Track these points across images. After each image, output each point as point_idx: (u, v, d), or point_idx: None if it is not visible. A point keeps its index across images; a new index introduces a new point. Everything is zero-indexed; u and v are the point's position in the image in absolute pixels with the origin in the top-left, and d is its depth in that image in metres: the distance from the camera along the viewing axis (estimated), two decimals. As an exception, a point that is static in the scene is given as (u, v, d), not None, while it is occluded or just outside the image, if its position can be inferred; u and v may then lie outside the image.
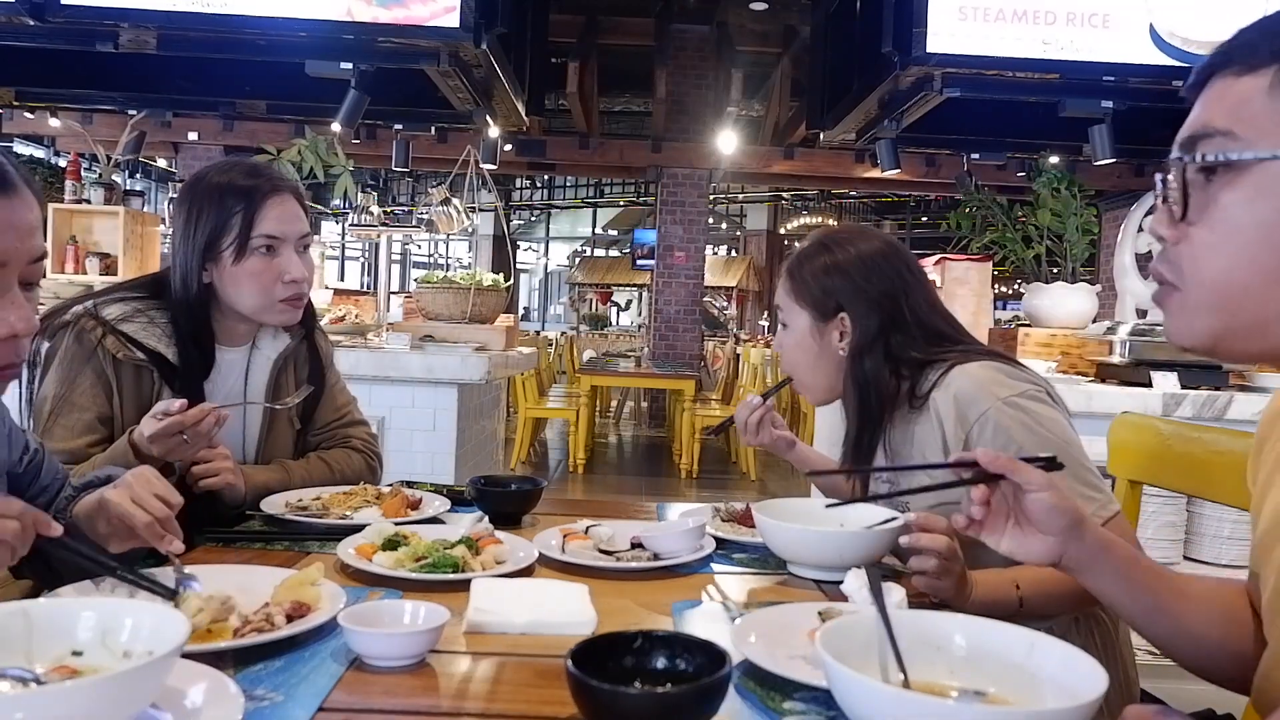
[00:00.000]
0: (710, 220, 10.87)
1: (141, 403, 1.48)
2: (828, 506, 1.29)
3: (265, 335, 1.65)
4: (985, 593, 1.20)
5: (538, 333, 13.57)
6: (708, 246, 9.53)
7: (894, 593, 1.01)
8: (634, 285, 16.70)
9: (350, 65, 3.72)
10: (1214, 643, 0.94)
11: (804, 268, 1.49)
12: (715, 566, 1.34)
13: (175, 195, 1.58)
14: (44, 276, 1.02)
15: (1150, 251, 3.43)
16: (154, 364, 1.50)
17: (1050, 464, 1.00)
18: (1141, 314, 3.38)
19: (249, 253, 1.50)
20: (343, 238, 16.02)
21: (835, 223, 18.68)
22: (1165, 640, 0.96)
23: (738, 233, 18.76)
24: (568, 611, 1.06)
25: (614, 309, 17.53)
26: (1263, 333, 0.71)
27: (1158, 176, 0.74)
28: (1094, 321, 3.45)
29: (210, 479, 1.44)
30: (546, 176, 17.23)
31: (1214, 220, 0.71)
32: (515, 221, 20.05)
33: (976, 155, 4.94)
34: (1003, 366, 1.36)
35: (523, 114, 4.81)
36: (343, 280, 17.49)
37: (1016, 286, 16.01)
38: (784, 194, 16.35)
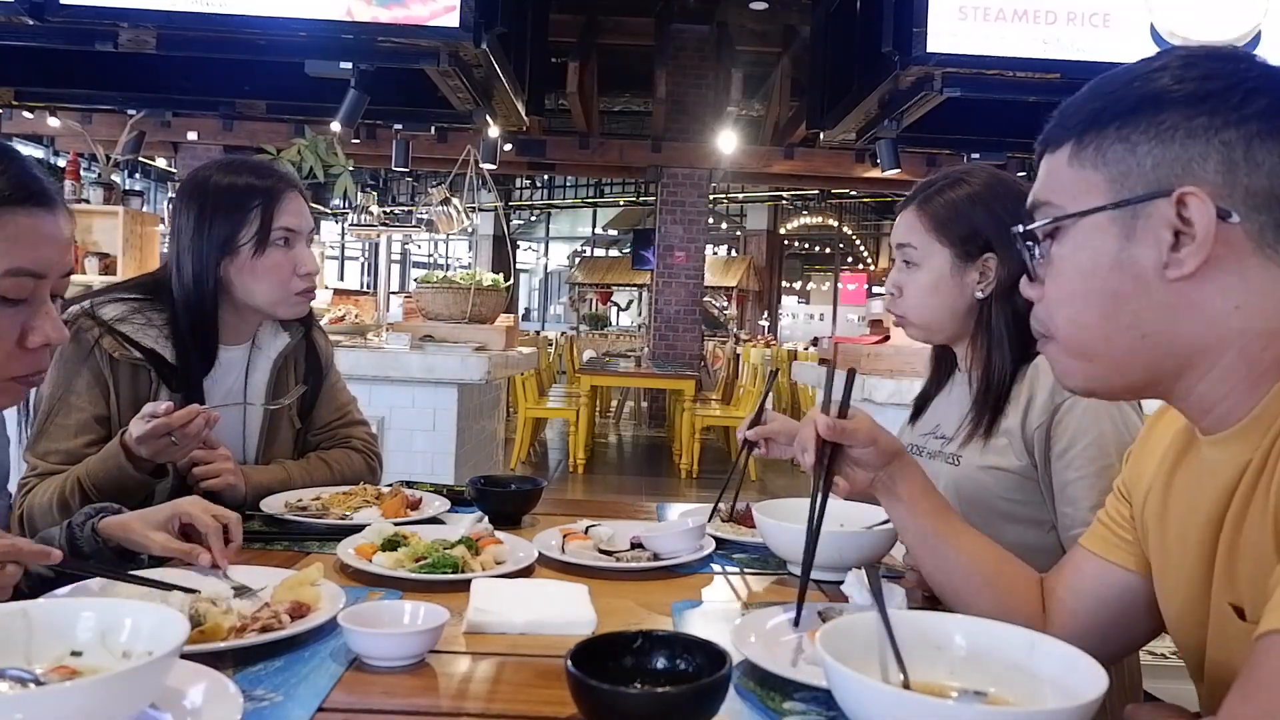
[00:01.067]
0: (710, 220, 10.87)
1: (138, 402, 1.47)
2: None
3: (265, 334, 1.65)
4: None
5: (538, 333, 13.57)
6: (708, 246, 9.53)
7: (894, 593, 1.01)
8: (634, 285, 16.70)
9: (350, 65, 3.72)
10: (970, 590, 1.06)
11: (940, 199, 1.37)
12: (715, 566, 1.34)
13: (175, 196, 1.56)
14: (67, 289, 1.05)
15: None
16: (151, 363, 1.50)
17: (849, 377, 1.09)
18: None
19: (269, 247, 1.53)
20: (343, 238, 16.03)
21: (836, 222, 18.71)
22: (932, 569, 1.09)
23: (738, 233, 18.76)
24: (568, 611, 1.06)
25: (614, 309, 17.54)
26: (1122, 371, 0.81)
27: (1024, 247, 0.86)
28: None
29: (211, 480, 1.45)
30: (546, 176, 17.24)
31: (1054, 276, 0.83)
32: (515, 221, 20.06)
33: (977, 155, 4.94)
34: None
35: (523, 114, 4.81)
36: (343, 280, 17.50)
37: (1016, 286, 15.98)
38: (784, 194, 16.35)
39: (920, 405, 1.57)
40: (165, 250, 5.90)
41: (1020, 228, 0.86)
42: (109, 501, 1.32)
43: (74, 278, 4.95)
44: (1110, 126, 0.79)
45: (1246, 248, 0.74)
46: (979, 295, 1.37)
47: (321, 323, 3.58)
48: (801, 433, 1.09)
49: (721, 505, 1.54)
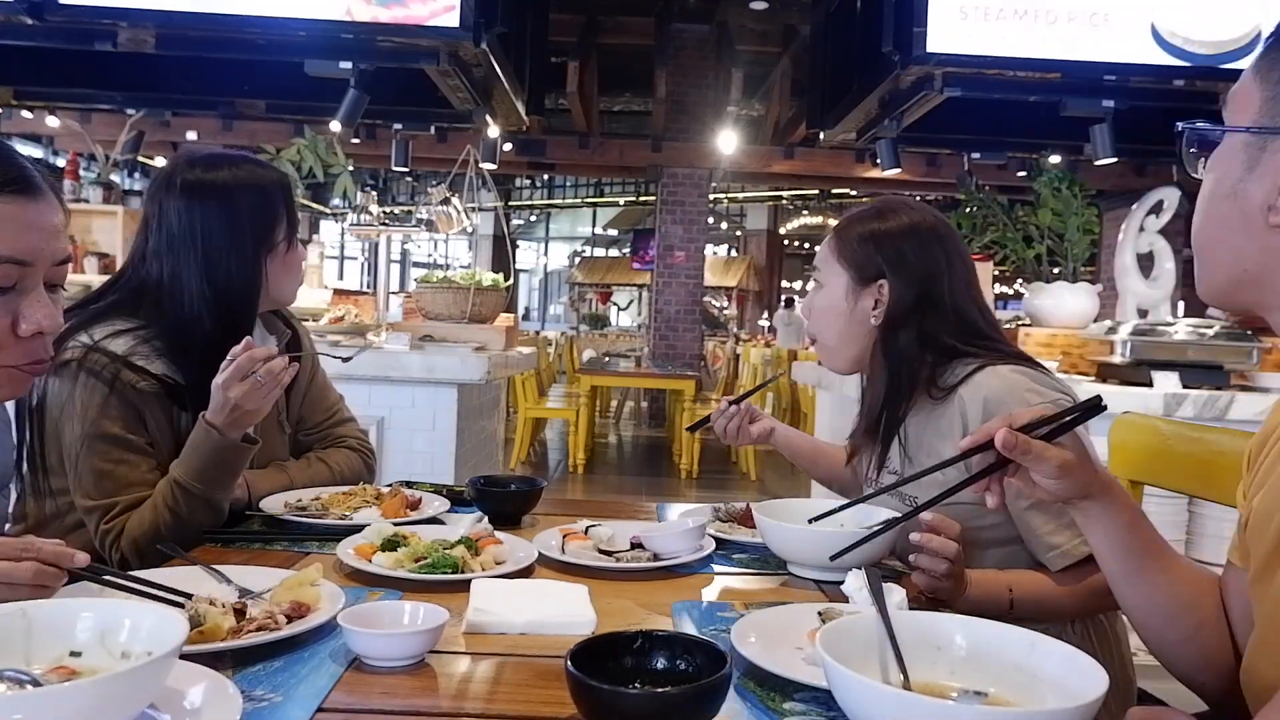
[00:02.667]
0: (710, 220, 10.86)
1: (168, 429, 1.44)
2: (814, 519, 1.26)
3: (255, 338, 1.56)
4: (978, 592, 1.21)
5: (538, 333, 13.57)
6: (708, 246, 9.53)
7: (894, 593, 1.01)
8: (634, 285, 16.70)
9: (350, 65, 3.72)
10: (1176, 631, 0.96)
11: (852, 229, 1.47)
12: (715, 566, 1.34)
13: (173, 199, 1.46)
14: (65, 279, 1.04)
15: (1151, 251, 3.43)
16: (167, 390, 1.45)
17: (1092, 410, 0.96)
18: (1143, 314, 3.38)
19: (295, 240, 1.55)
20: (342, 238, 16.03)
21: (836, 222, 18.69)
22: (1132, 608, 0.99)
23: (738, 233, 18.77)
24: (567, 611, 1.06)
25: (614, 309, 17.54)
26: (1233, 292, 0.76)
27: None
28: (1095, 321, 3.45)
29: None
30: (546, 176, 17.24)
31: (1204, 183, 0.78)
32: (515, 221, 20.06)
33: (977, 155, 4.95)
34: (1034, 374, 1.35)
35: (523, 114, 4.81)
36: (342, 280, 17.50)
37: (1017, 286, 16.01)
38: (784, 194, 16.36)
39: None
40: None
41: (1181, 125, 0.80)
42: (213, 489, 1.36)
43: (74, 277, 4.92)
44: None
45: None
46: (873, 322, 1.43)
47: (322, 322, 3.59)
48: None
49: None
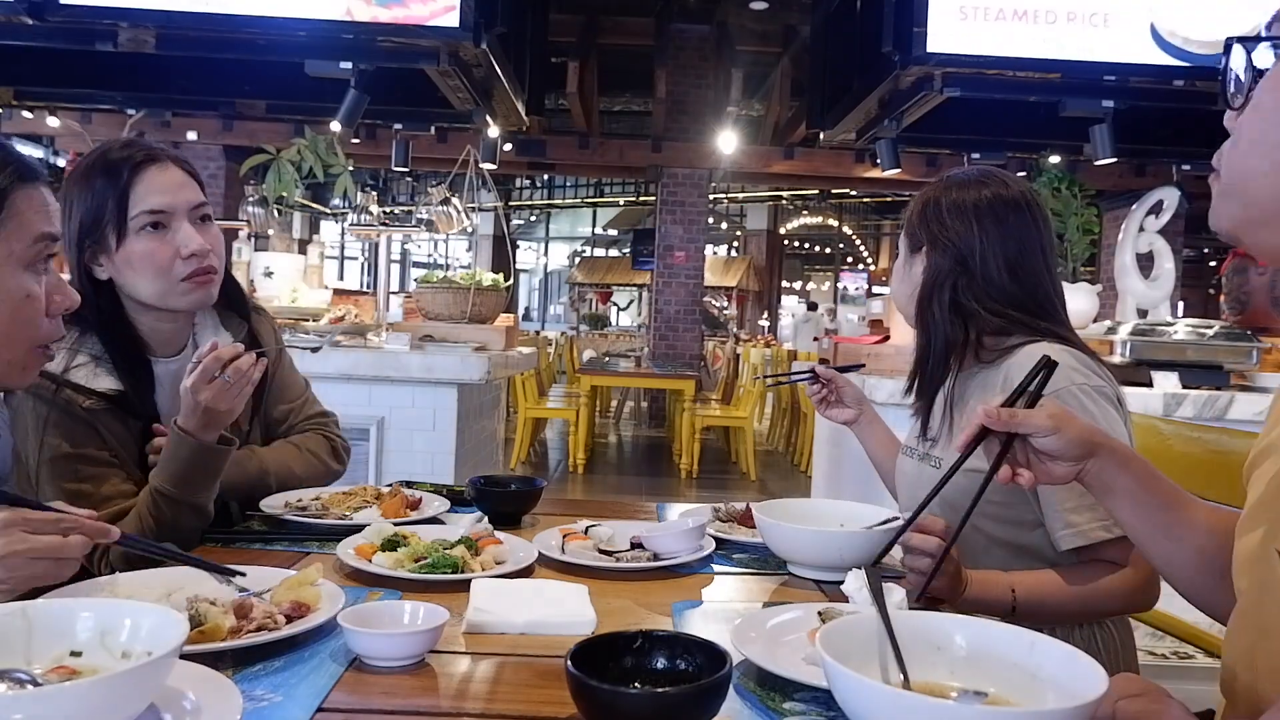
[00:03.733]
0: (710, 220, 10.86)
1: (127, 441, 1.40)
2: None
3: (204, 335, 1.51)
4: (979, 591, 1.21)
5: (538, 333, 13.57)
6: (708, 246, 9.53)
7: (894, 593, 1.01)
8: (634, 285, 16.71)
9: (350, 65, 3.72)
10: (1212, 576, 0.95)
11: (918, 200, 1.51)
12: (715, 566, 1.34)
13: None
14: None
15: (1150, 251, 3.43)
16: (116, 402, 1.39)
17: (1049, 367, 1.01)
18: (1142, 314, 3.38)
19: (130, 233, 1.36)
20: (342, 238, 16.03)
21: (836, 222, 18.70)
22: (1166, 564, 0.98)
23: (738, 233, 18.78)
24: (567, 611, 1.06)
25: (614, 309, 17.54)
26: (1272, 229, 0.73)
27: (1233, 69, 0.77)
28: (1095, 321, 3.45)
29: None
30: (546, 176, 17.24)
31: (1250, 112, 0.74)
32: (515, 221, 20.06)
33: (977, 155, 4.94)
34: (1085, 358, 1.35)
35: (523, 114, 4.81)
36: (342, 280, 17.50)
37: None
38: (784, 194, 16.35)
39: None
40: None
41: (1239, 39, 0.77)
42: (195, 494, 1.33)
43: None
44: None
45: None
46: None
47: (322, 322, 3.59)
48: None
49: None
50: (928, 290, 1.43)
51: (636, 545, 1.34)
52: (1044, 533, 1.31)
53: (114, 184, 1.36)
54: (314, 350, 1.65)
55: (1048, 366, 1.02)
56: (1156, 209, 3.40)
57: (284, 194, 3.75)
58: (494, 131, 5.08)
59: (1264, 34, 0.75)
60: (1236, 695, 0.80)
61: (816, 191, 15.82)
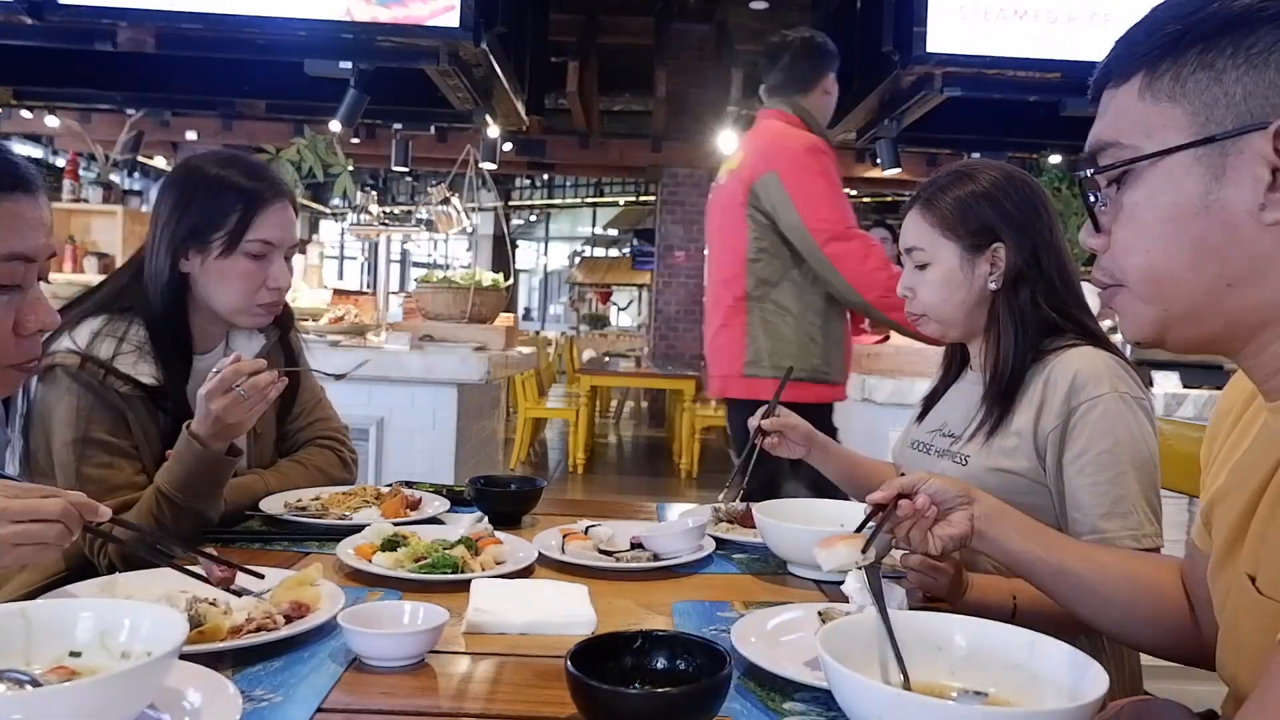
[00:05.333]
0: (710, 220, 10.84)
1: (152, 435, 1.43)
2: None
3: (239, 338, 1.58)
4: (980, 595, 1.21)
5: (537, 333, 13.57)
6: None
7: (894, 593, 1.01)
8: (634, 285, 16.70)
9: (350, 64, 3.72)
10: (1120, 606, 1.03)
11: (945, 197, 1.40)
12: (715, 566, 1.34)
13: (160, 184, 1.51)
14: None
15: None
16: (150, 394, 1.43)
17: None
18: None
19: (239, 252, 1.45)
20: (342, 238, 16.03)
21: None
22: (1071, 599, 1.05)
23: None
24: (567, 611, 1.06)
25: (614, 309, 17.53)
26: (1195, 320, 0.75)
27: (1083, 193, 0.80)
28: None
29: None
30: (546, 176, 17.23)
31: (1126, 222, 0.76)
32: (515, 221, 20.05)
33: (977, 155, 4.95)
34: (1127, 366, 1.32)
35: (522, 113, 4.81)
36: (342, 280, 17.48)
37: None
38: (784, 194, 16.31)
39: (929, 403, 1.56)
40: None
41: (1086, 172, 0.78)
42: (197, 500, 1.33)
43: (74, 277, 4.93)
44: (1190, 52, 0.70)
45: None
46: (992, 286, 1.38)
47: (322, 322, 3.59)
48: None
49: (723, 503, 1.55)
50: (1016, 282, 1.36)
51: (636, 545, 1.34)
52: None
53: (244, 206, 1.45)
54: (337, 378, 1.65)
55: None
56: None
57: (284, 194, 3.74)
58: (494, 131, 5.08)
59: (1089, 172, 0.78)
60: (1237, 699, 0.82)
61: (816, 191, 15.77)
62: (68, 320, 1.42)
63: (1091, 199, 0.78)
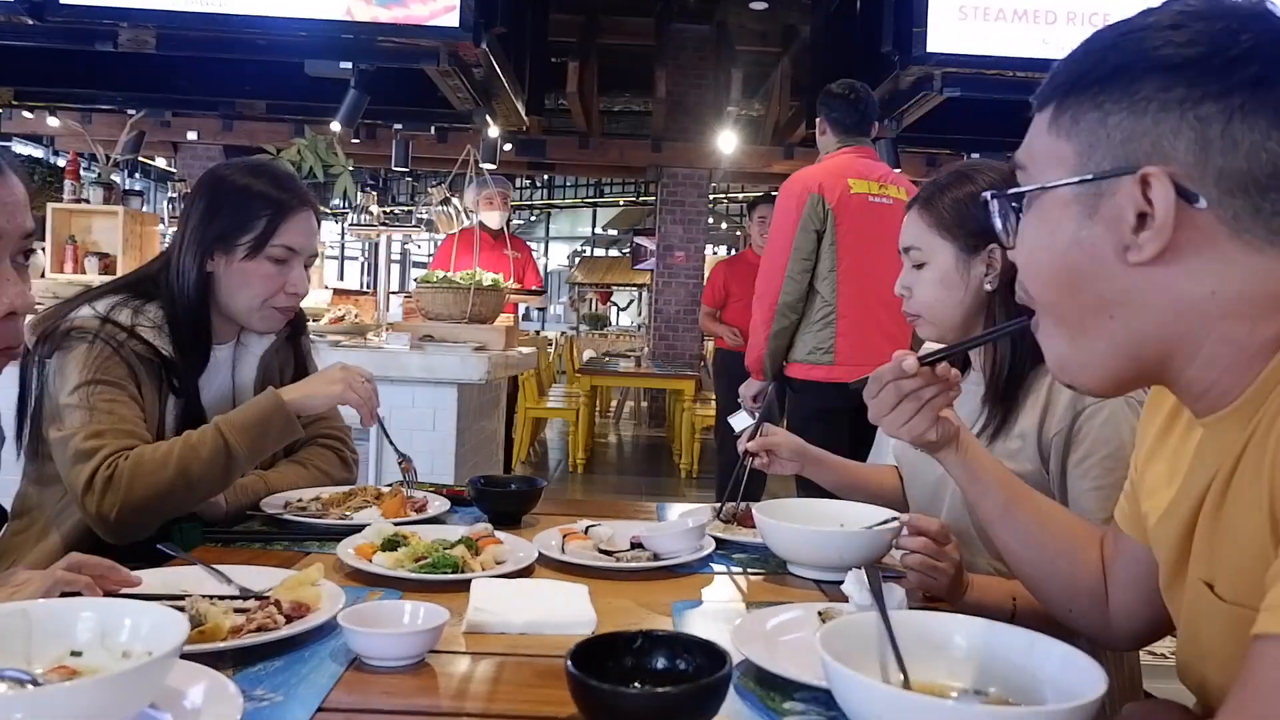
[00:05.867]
0: (710, 220, 10.86)
1: (153, 403, 1.47)
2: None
3: (251, 332, 1.64)
4: (980, 596, 1.21)
5: (537, 333, 13.56)
6: (708, 246, 9.52)
7: (894, 593, 1.01)
8: (634, 285, 16.69)
9: (350, 65, 3.73)
10: (1061, 572, 1.05)
11: (943, 198, 1.40)
12: (715, 566, 1.34)
13: (191, 188, 1.57)
14: (34, 253, 1.01)
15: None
16: (163, 363, 1.49)
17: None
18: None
19: (263, 256, 1.52)
20: (342, 238, 16.03)
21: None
22: (1010, 549, 1.09)
23: (738, 233, 18.76)
24: (567, 611, 1.06)
25: (614, 309, 17.53)
26: (1102, 357, 0.76)
27: (992, 207, 0.83)
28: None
29: None
30: (546, 176, 17.24)
31: (1020, 245, 0.80)
32: (515, 221, 20.05)
33: (977, 155, 4.95)
34: None
35: (523, 114, 4.82)
36: (342, 280, 17.47)
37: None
38: (784, 194, 16.31)
39: None
40: (165, 245, 5.90)
41: (989, 194, 0.82)
42: (242, 446, 1.39)
43: (74, 277, 4.92)
44: (1088, 92, 0.72)
45: (1220, 232, 0.68)
46: (988, 287, 1.38)
47: (322, 322, 3.59)
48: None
49: (722, 510, 1.55)
50: (1008, 290, 1.33)
51: (636, 545, 1.34)
52: None
53: (271, 212, 1.52)
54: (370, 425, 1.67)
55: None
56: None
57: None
58: (494, 131, 5.08)
59: (991, 194, 0.82)
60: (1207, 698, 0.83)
61: (816, 191, 15.77)
62: (88, 294, 1.51)
63: (1009, 216, 0.81)
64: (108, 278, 1.49)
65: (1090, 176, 0.72)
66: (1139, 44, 0.70)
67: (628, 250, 15.51)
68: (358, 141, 7.00)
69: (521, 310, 6.22)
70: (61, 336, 1.43)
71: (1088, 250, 0.73)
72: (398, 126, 5.20)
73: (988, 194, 0.82)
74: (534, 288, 4.93)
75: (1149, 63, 0.69)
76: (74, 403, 1.38)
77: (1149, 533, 0.89)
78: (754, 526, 1.41)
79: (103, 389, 1.40)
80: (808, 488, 1.75)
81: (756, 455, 1.57)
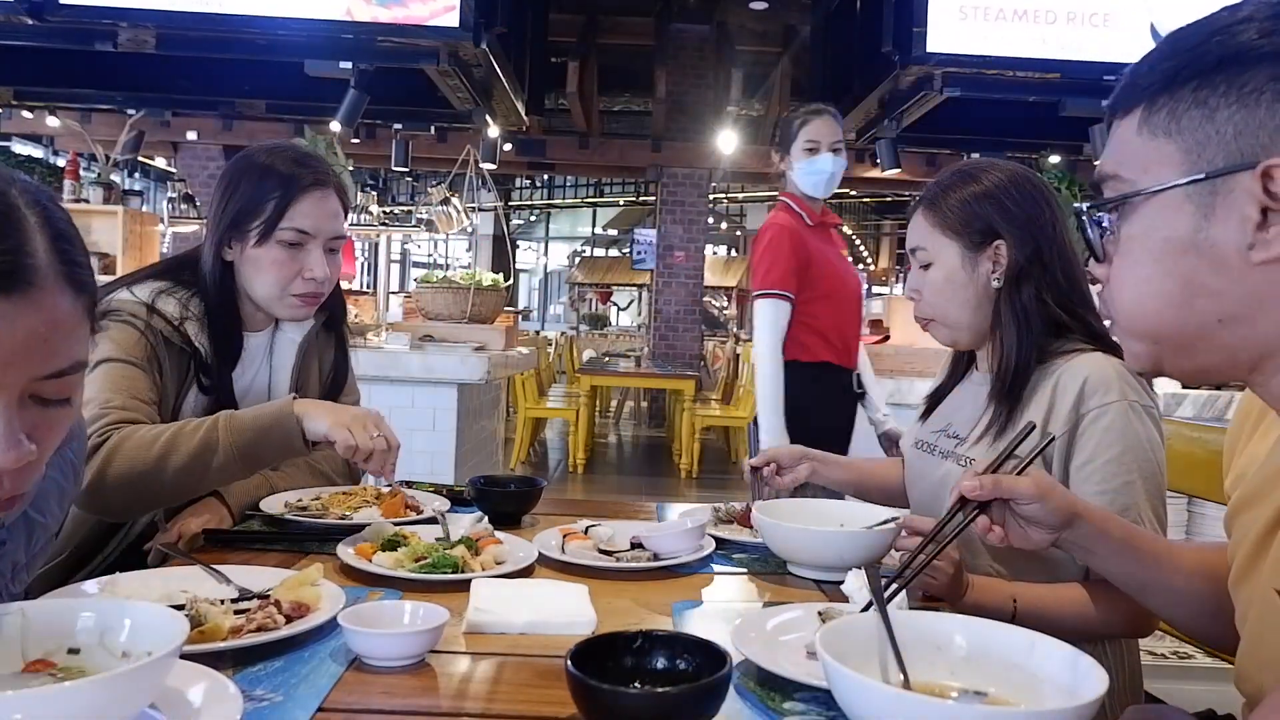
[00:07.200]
0: (710, 220, 10.86)
1: (178, 386, 1.47)
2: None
3: (285, 322, 1.62)
4: (980, 597, 1.20)
5: (538, 333, 13.56)
6: (708, 246, 9.53)
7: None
8: (634, 285, 16.69)
9: (350, 65, 3.73)
10: (1209, 611, 1.00)
11: (947, 198, 1.40)
12: (715, 566, 1.34)
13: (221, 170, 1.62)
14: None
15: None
16: (191, 350, 1.48)
17: (1045, 439, 1.07)
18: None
19: (273, 240, 1.47)
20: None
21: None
22: (1163, 609, 1.05)
23: (738, 233, 18.76)
24: (567, 611, 1.06)
25: (614, 309, 17.52)
26: (1190, 353, 0.75)
27: (1084, 224, 0.81)
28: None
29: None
30: (546, 176, 17.24)
31: (1123, 254, 0.77)
32: (515, 221, 20.04)
33: (977, 155, 4.95)
34: (1137, 375, 1.30)
35: (522, 114, 4.82)
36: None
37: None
38: (784, 194, 16.31)
39: (933, 402, 1.55)
40: (165, 246, 5.90)
41: (1083, 205, 0.79)
42: (236, 445, 1.32)
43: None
44: (1185, 89, 0.70)
45: None
46: (995, 284, 1.37)
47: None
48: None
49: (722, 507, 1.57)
50: (1017, 279, 1.35)
51: (636, 545, 1.34)
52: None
53: (281, 193, 1.47)
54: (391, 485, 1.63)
55: (1040, 436, 1.05)
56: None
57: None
58: (494, 131, 5.08)
59: (1087, 206, 0.79)
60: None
61: (816, 191, 15.76)
62: (127, 277, 1.50)
63: (1095, 229, 0.78)
64: (108, 278, 1.48)
65: (1204, 175, 0.69)
66: (1236, 37, 0.68)
67: (627, 250, 15.51)
68: (358, 141, 7.00)
69: (522, 310, 6.21)
70: (100, 316, 1.42)
71: (1208, 253, 0.70)
72: (397, 126, 5.19)
73: (1082, 206, 0.80)
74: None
75: (1254, 55, 0.67)
76: (94, 376, 1.38)
77: (1227, 517, 0.87)
78: (754, 526, 1.41)
79: (124, 367, 1.40)
80: (807, 488, 1.75)
81: (762, 469, 1.60)
